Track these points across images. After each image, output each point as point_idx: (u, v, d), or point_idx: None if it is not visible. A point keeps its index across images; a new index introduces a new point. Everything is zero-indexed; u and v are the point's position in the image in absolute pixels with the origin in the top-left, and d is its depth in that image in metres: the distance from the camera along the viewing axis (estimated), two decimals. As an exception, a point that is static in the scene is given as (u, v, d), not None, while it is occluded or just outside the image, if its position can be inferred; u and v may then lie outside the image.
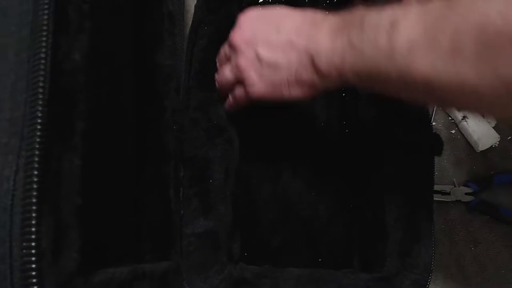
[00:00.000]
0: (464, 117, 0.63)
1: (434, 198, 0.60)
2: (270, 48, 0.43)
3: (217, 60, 0.52)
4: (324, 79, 0.41)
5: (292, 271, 0.47)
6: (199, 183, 0.49)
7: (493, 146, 0.63)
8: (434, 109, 0.65)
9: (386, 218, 0.48)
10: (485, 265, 0.57)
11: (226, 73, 0.49)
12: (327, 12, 0.42)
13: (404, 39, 0.32)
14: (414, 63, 0.32)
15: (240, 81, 0.47)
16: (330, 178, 0.56)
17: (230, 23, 0.54)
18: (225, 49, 0.50)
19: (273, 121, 0.58)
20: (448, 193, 0.60)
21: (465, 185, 0.61)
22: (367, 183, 0.52)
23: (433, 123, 0.64)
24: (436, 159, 0.62)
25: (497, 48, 0.27)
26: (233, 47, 0.46)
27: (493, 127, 0.63)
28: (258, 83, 0.45)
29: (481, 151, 0.63)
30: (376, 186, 0.50)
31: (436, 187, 0.60)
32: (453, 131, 0.64)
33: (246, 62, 0.45)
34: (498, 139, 0.63)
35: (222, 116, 0.51)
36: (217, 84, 0.51)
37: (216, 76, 0.51)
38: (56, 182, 0.33)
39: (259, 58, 0.44)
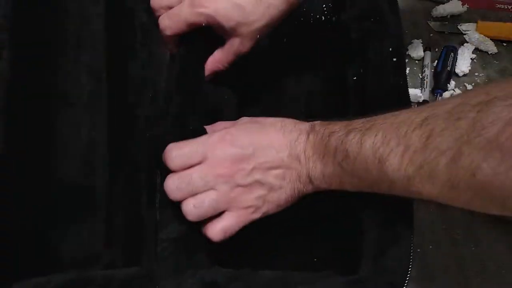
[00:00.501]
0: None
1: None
2: (270, 170, 0.42)
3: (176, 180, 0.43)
4: (323, 189, 0.43)
5: (264, 274, 0.46)
6: None
7: (494, 146, 0.63)
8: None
9: (362, 217, 0.47)
10: (486, 265, 0.57)
11: (206, 202, 0.42)
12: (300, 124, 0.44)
13: (398, 175, 0.35)
14: (415, 188, 0.34)
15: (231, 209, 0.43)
16: None
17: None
18: (199, 174, 0.42)
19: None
20: (449, 193, 0.60)
21: (466, 185, 0.60)
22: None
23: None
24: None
25: (489, 196, 0.30)
26: (221, 176, 0.41)
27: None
28: (263, 207, 0.43)
29: (482, 151, 0.63)
30: None
31: (436, 187, 0.60)
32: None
33: (244, 191, 0.42)
34: (499, 139, 0.62)
35: (203, 122, 0.51)
36: (192, 215, 0.43)
37: (190, 205, 0.43)
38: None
39: (261, 183, 0.42)
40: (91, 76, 0.51)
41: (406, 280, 0.43)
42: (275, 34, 0.61)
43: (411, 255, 0.44)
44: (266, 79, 0.60)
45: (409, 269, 0.44)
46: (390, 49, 0.52)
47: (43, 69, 0.50)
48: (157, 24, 0.47)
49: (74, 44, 0.51)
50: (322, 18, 0.62)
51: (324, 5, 0.62)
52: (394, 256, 0.44)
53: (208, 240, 0.46)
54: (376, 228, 0.46)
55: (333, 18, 0.62)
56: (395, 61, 0.52)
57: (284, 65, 0.60)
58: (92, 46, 0.51)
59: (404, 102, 0.51)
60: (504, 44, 0.69)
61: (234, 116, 0.56)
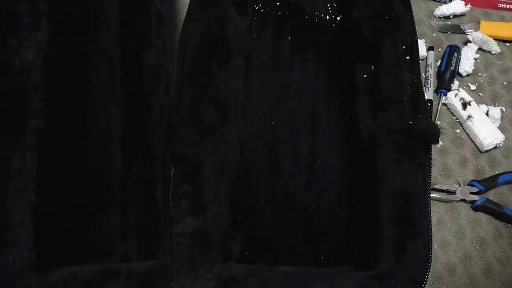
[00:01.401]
0: (469, 117, 0.63)
1: (440, 198, 0.60)
2: None
3: None
4: None
5: (282, 270, 0.46)
6: (189, 183, 0.48)
7: (498, 146, 0.63)
8: (439, 108, 0.65)
9: (381, 214, 0.47)
10: (491, 265, 0.57)
11: None
12: None
13: None
14: None
15: None
16: (331, 174, 0.55)
17: (221, 21, 0.54)
18: None
19: (272, 116, 0.58)
20: (454, 193, 0.60)
21: (470, 184, 0.61)
22: (365, 178, 0.52)
23: (438, 122, 0.64)
24: (441, 158, 0.62)
25: None
26: None
27: (497, 127, 0.63)
28: None
29: (486, 151, 0.63)
30: (372, 181, 0.50)
31: (441, 187, 0.60)
32: (458, 131, 0.64)
33: None
34: (503, 139, 0.63)
35: (213, 115, 0.50)
36: None
37: None
38: (1, 179, 0.32)
39: None
40: (106, 62, 0.50)
41: (427, 274, 0.43)
42: (280, 33, 0.62)
43: (431, 250, 0.44)
44: (271, 77, 0.60)
45: (430, 264, 0.43)
46: (404, 47, 0.52)
47: (75, 44, 0.49)
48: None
49: (94, 27, 0.50)
50: (326, 17, 0.62)
51: (328, 5, 0.63)
52: (414, 251, 0.44)
53: (222, 235, 0.46)
54: (394, 224, 0.46)
55: (338, 18, 0.62)
56: (408, 59, 0.52)
57: (289, 62, 0.60)
58: (107, 33, 0.50)
59: (419, 99, 0.51)
60: (507, 44, 0.69)
61: (241, 110, 0.56)
